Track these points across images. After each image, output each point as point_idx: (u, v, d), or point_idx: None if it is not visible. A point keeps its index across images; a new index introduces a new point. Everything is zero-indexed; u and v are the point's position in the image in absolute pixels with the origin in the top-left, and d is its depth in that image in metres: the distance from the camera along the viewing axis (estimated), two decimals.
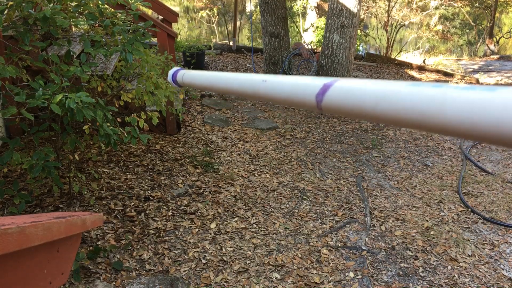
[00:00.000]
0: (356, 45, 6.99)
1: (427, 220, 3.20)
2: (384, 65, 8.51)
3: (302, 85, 0.53)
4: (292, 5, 11.04)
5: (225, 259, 2.58)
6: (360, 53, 9.13)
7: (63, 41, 2.49)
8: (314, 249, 2.77)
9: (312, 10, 10.52)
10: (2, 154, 2.19)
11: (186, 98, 5.40)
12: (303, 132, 4.82)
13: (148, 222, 2.81)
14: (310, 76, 0.54)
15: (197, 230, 2.81)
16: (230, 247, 2.69)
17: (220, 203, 3.16)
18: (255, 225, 2.96)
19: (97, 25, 2.64)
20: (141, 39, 2.53)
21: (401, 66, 8.51)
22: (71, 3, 2.46)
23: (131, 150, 3.66)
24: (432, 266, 2.70)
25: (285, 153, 4.20)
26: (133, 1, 2.61)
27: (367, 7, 9.49)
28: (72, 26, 3.35)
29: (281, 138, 4.59)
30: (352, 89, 0.45)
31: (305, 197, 3.42)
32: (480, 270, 2.70)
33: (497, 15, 12.36)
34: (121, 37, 2.53)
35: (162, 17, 4.51)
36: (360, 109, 0.43)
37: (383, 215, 3.25)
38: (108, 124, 2.32)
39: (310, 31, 9.71)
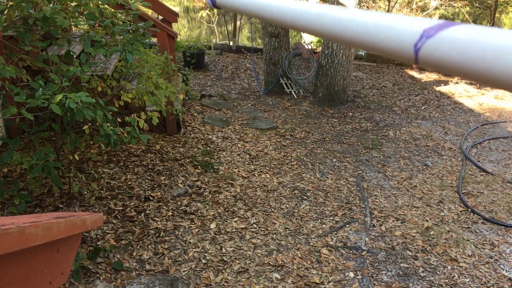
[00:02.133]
0: None
1: (427, 220, 3.20)
2: (384, 65, 8.51)
3: (392, 25, 0.41)
4: None
5: (225, 259, 2.58)
6: (360, 53, 9.13)
7: (63, 41, 2.49)
8: (314, 249, 2.77)
9: None
10: (2, 154, 2.19)
11: (186, 98, 5.39)
12: (303, 132, 4.82)
13: (148, 222, 2.81)
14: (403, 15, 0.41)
15: (197, 230, 2.81)
16: (230, 247, 2.69)
17: (220, 203, 3.16)
18: (255, 225, 2.96)
19: (97, 25, 2.64)
20: (141, 39, 2.53)
21: (401, 66, 8.51)
22: (71, 3, 2.46)
23: (131, 150, 3.66)
24: (432, 266, 2.70)
25: (285, 153, 4.20)
26: (133, 1, 2.61)
27: (367, 7, 9.50)
28: (72, 26, 3.35)
29: (281, 138, 4.59)
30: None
31: (305, 197, 3.42)
32: (480, 270, 2.70)
33: (497, 15, 12.34)
34: (121, 37, 2.53)
35: (162, 17, 4.51)
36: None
37: (383, 215, 3.25)
38: (108, 124, 2.32)
39: None
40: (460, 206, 3.46)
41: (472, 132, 5.13)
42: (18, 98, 2.01)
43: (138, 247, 2.57)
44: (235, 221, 2.97)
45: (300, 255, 2.69)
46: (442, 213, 3.33)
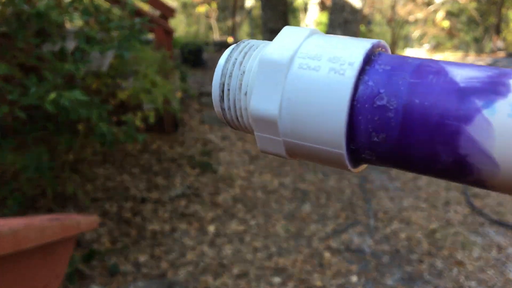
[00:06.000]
0: None
1: (432, 222, 3.13)
2: None
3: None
4: (294, 0, 10.95)
5: (224, 262, 2.52)
6: None
7: (57, 37, 2.41)
8: (316, 252, 2.70)
9: (314, 5, 10.44)
10: None
11: (184, 96, 5.32)
12: None
13: (144, 224, 2.74)
14: None
15: (195, 232, 2.75)
16: (229, 250, 2.63)
17: (219, 204, 3.09)
18: (255, 228, 2.89)
19: (92, 21, 2.56)
20: (138, 35, 2.46)
21: None
22: None
23: (127, 150, 3.59)
24: (438, 269, 2.63)
25: None
26: None
27: (372, 1, 9.39)
28: (66, 22, 3.28)
29: None
30: None
31: (307, 199, 3.35)
32: (487, 273, 2.63)
33: (503, 11, 12.22)
34: (117, 33, 2.45)
35: (159, 13, 4.42)
36: None
37: (387, 217, 3.18)
38: (103, 123, 2.25)
39: (312, 26, 9.63)
40: (467, 207, 3.40)
41: None
42: (11, 96, 1.94)
43: (135, 250, 2.51)
44: (235, 223, 2.90)
45: (301, 258, 2.63)
46: (448, 215, 3.26)
